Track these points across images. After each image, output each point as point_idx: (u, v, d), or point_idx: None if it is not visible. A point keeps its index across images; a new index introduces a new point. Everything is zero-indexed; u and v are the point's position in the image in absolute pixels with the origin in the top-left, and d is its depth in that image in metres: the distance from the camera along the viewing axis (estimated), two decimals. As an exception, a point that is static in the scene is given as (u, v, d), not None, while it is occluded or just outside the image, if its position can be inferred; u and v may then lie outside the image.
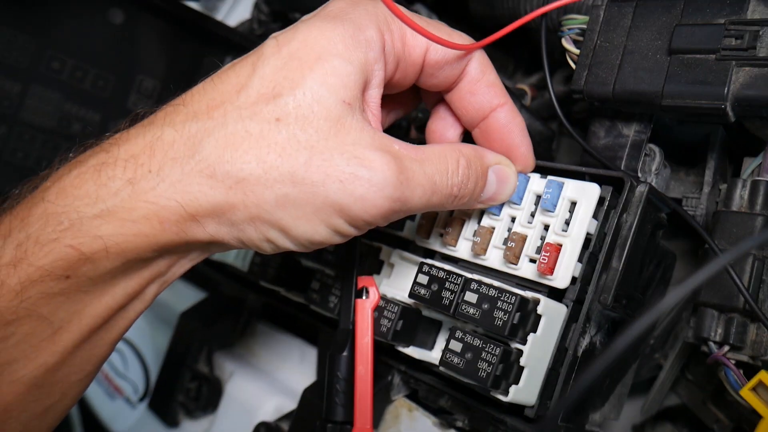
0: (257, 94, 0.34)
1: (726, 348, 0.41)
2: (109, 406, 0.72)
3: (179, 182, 0.34)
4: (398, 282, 0.48)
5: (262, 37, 0.73)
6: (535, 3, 0.56)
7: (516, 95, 0.55)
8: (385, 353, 0.48)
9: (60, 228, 0.33)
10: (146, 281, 0.37)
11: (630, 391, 0.50)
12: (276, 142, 0.34)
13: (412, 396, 0.50)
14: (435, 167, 0.37)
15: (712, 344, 0.42)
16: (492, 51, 0.74)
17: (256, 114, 0.34)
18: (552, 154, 0.62)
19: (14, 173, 0.64)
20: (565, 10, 0.52)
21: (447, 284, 0.42)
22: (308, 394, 0.51)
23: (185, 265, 0.38)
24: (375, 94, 0.38)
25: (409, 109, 0.47)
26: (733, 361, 0.40)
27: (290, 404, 0.55)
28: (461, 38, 0.40)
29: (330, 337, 0.52)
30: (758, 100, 0.38)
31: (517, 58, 0.77)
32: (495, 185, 0.41)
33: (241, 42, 0.71)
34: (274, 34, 0.37)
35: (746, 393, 0.37)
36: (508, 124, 0.42)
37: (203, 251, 0.38)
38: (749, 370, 0.40)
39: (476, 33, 0.70)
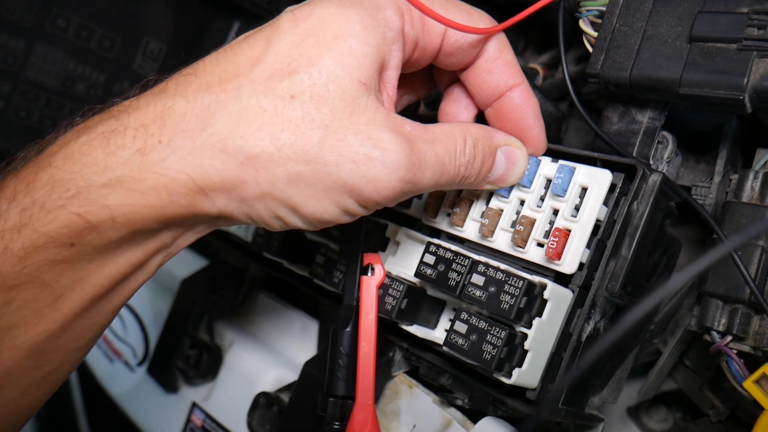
0: (272, 69, 0.34)
1: (729, 338, 0.41)
2: (108, 368, 0.73)
3: (190, 155, 0.33)
4: (403, 260, 0.48)
5: (271, 4, 0.71)
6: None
7: (528, 75, 0.54)
8: (387, 330, 0.48)
9: (67, 195, 0.33)
10: (151, 252, 0.37)
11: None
12: (290, 120, 0.33)
13: (413, 373, 0.50)
14: (444, 147, 0.37)
15: (715, 333, 0.42)
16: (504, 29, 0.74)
17: (271, 90, 0.34)
18: (561, 136, 0.61)
19: (17, 132, 0.63)
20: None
21: (454, 265, 0.42)
22: (309, 367, 0.51)
23: (190, 237, 0.38)
24: (392, 75, 0.38)
25: (422, 93, 0.46)
26: (735, 351, 0.40)
27: (290, 376, 0.56)
28: (481, 18, 0.39)
29: (333, 312, 0.53)
30: (777, 92, 0.37)
31: (528, 36, 0.76)
32: (504, 166, 0.41)
33: (249, 8, 0.70)
34: (290, 8, 0.36)
35: (749, 385, 0.37)
36: (523, 105, 0.41)
37: (210, 225, 0.38)
38: (750, 361, 0.41)
39: (492, 10, 0.70)
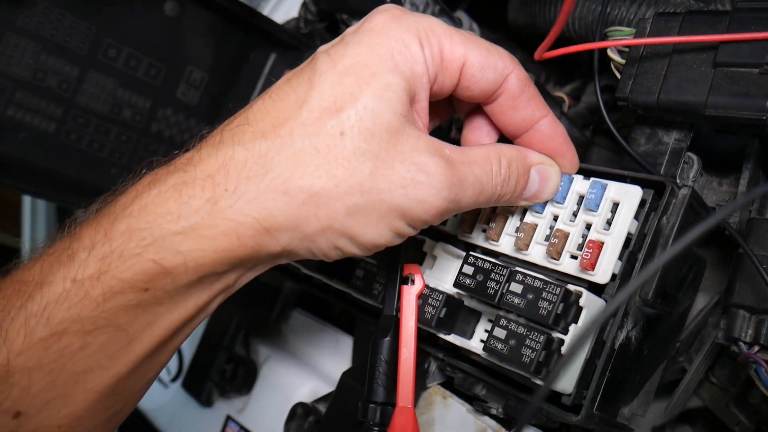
0: (320, 109, 0.37)
1: (756, 348, 0.43)
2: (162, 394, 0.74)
3: (255, 199, 0.36)
4: (440, 274, 0.50)
5: (307, 37, 0.75)
6: (577, 16, 0.59)
7: (557, 102, 0.57)
8: (422, 341, 0.50)
9: (143, 243, 0.35)
10: (215, 293, 0.39)
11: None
12: (343, 156, 0.36)
13: (447, 384, 0.52)
14: (481, 168, 0.40)
15: (742, 344, 0.44)
16: (527, 61, 0.77)
17: (321, 129, 0.36)
18: (585, 161, 0.64)
19: (68, 154, 0.66)
20: (609, 22, 0.54)
21: (492, 275, 0.44)
22: (346, 377, 0.53)
23: (251, 275, 0.41)
24: (423, 105, 0.40)
25: (444, 118, 0.49)
26: (765, 359, 0.42)
27: (325, 388, 0.57)
28: (500, 55, 0.41)
29: (369, 325, 0.55)
30: (798, 113, 0.40)
31: (548, 69, 0.79)
32: (537, 183, 0.44)
33: (286, 40, 0.74)
34: (323, 48, 0.40)
35: (779, 389, 0.39)
36: (551, 134, 0.44)
37: (271, 262, 0.40)
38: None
39: (513, 42, 0.73)
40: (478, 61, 0.40)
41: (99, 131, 0.68)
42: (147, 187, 0.37)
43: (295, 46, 0.74)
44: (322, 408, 0.55)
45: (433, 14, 0.66)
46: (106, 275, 0.35)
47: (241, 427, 0.60)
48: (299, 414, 0.54)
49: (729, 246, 0.52)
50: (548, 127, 0.43)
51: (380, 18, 0.39)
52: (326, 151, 0.36)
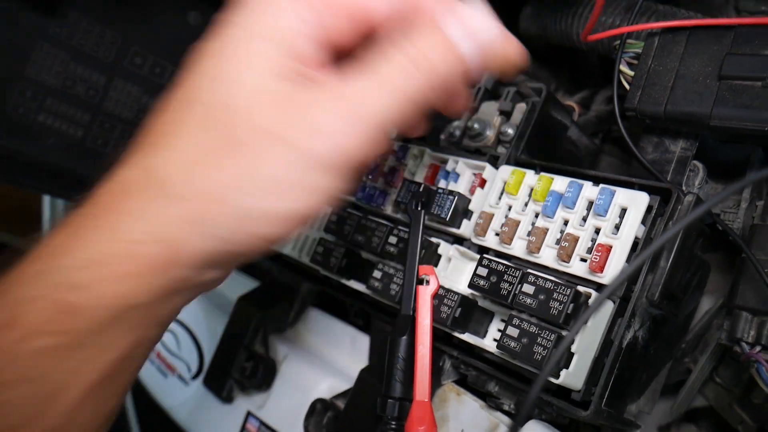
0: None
1: (758, 348, 0.45)
2: (162, 382, 0.77)
3: (153, 219, 0.33)
4: (454, 275, 0.52)
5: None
6: (582, 26, 0.61)
7: (567, 111, 0.59)
8: (437, 339, 0.52)
9: (49, 283, 0.33)
10: (148, 327, 0.35)
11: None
12: None
13: (461, 382, 0.54)
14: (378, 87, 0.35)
15: (744, 345, 0.45)
16: (537, 71, 0.79)
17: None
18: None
19: (95, 158, 0.69)
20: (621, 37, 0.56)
21: (505, 276, 0.46)
22: (364, 373, 0.55)
23: (189, 297, 0.37)
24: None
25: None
26: (765, 360, 0.44)
27: (343, 385, 0.60)
28: None
29: (384, 324, 0.57)
30: (798, 124, 0.42)
31: (558, 78, 0.81)
32: (463, 33, 0.36)
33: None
34: None
35: (778, 386, 0.41)
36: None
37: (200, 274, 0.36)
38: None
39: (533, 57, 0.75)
40: None
41: (124, 136, 0.70)
42: (56, 229, 0.35)
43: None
44: (340, 404, 0.57)
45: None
46: (14, 323, 0.32)
47: (262, 423, 0.63)
48: (318, 410, 0.57)
49: (733, 251, 0.54)
50: None
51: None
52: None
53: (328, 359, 0.64)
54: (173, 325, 0.78)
